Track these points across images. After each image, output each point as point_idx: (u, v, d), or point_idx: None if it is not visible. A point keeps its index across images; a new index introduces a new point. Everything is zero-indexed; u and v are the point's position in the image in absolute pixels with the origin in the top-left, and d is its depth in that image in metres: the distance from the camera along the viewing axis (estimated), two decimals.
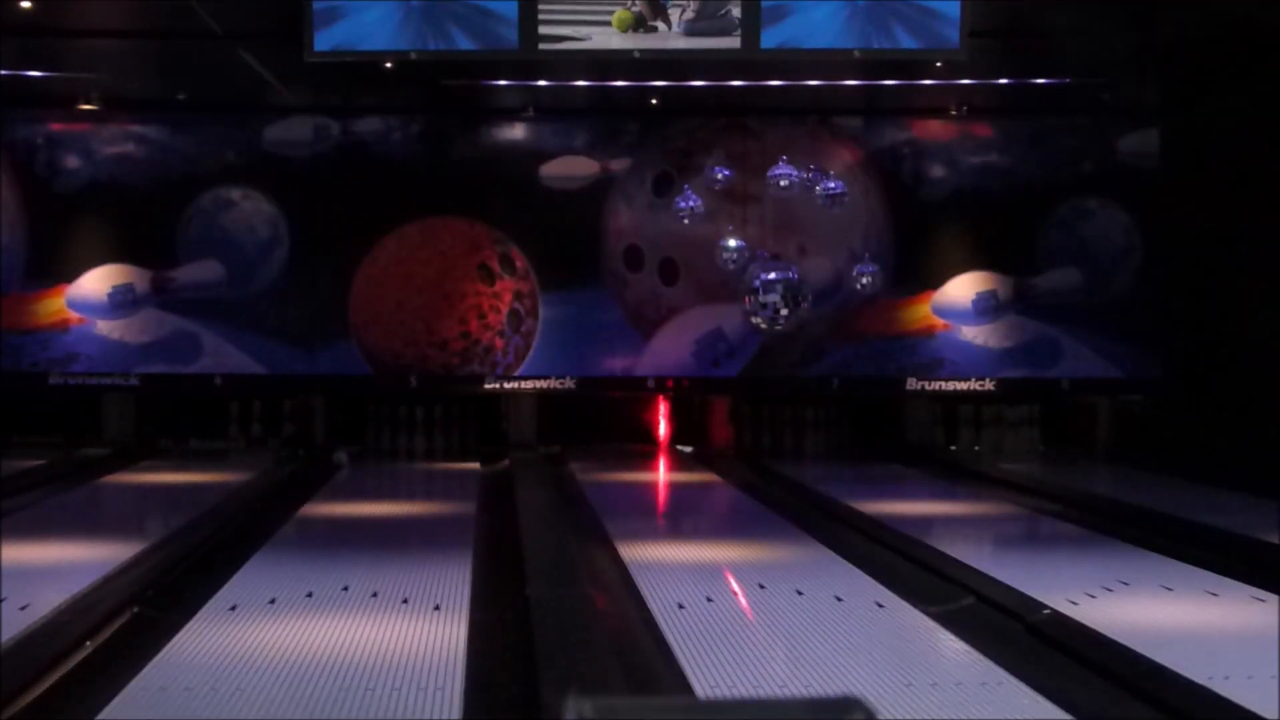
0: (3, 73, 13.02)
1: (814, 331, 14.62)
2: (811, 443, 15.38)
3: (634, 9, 9.57)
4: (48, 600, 6.87)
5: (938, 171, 14.99)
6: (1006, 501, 11.64)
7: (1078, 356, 14.91)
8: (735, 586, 7.84)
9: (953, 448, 15.25)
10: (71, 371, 14.44)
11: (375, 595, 7.29)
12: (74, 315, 14.47)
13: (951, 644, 6.47)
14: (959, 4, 9.63)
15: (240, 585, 7.58)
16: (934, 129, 14.98)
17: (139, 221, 14.53)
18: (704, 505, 12.55)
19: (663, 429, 15.46)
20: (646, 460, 14.70)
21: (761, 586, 7.74)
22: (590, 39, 9.62)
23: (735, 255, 11.83)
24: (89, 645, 6.19)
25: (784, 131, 14.68)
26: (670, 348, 14.87)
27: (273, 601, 7.13)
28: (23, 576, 7.54)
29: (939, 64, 11.57)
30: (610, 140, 14.91)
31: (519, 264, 14.80)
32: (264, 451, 14.60)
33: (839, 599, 7.31)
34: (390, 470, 14.46)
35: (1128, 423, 15.09)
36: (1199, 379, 14.29)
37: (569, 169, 14.86)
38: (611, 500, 11.55)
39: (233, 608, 6.98)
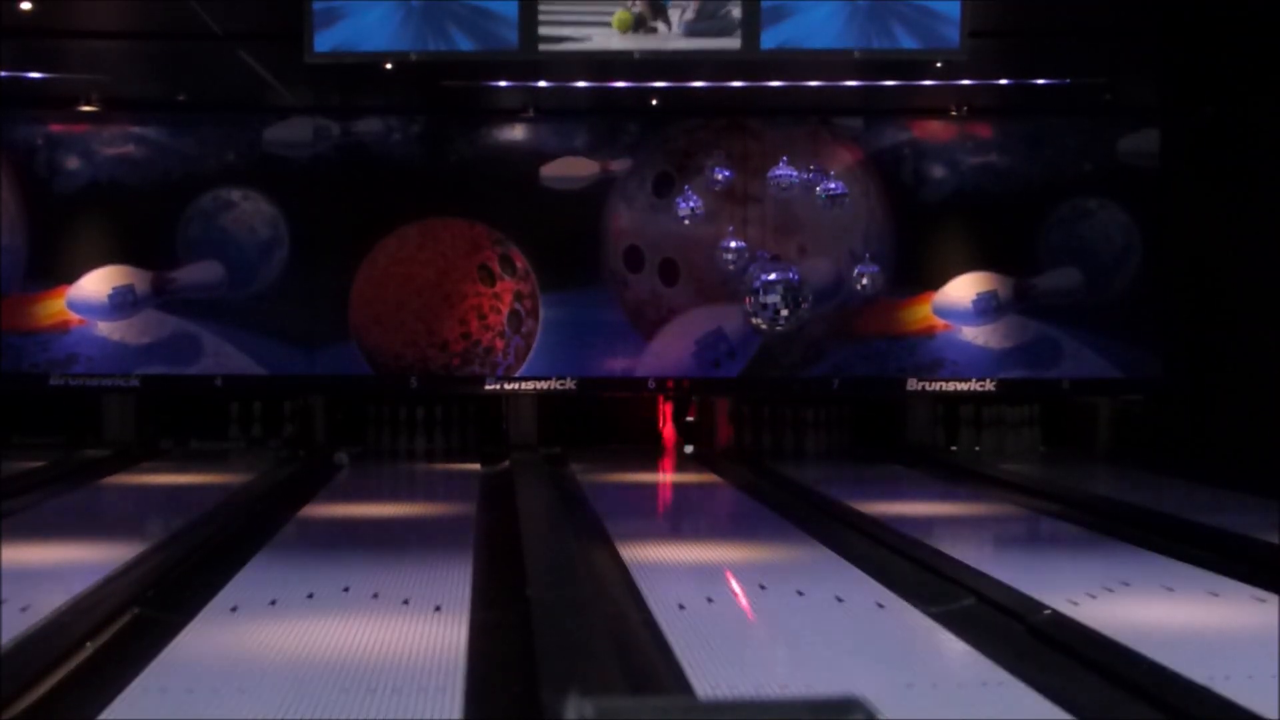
0: (3, 73, 13.02)
1: (814, 332, 14.62)
2: (812, 443, 15.38)
3: (634, 9, 9.56)
4: (48, 601, 6.86)
5: (938, 172, 14.98)
6: (1007, 502, 11.64)
7: (1078, 356, 14.90)
8: (736, 587, 7.84)
9: (953, 448, 15.25)
10: (72, 372, 14.44)
11: (376, 596, 7.29)
12: (74, 316, 14.47)
13: (952, 644, 6.47)
14: (959, 4, 9.62)
15: (241, 586, 7.58)
16: (934, 129, 14.98)
17: (139, 222, 14.53)
18: (704, 505, 12.55)
19: (663, 430, 15.46)
20: (647, 461, 14.69)
21: (762, 587, 7.74)
22: (590, 39, 9.62)
23: (735, 256, 11.84)
24: (90, 646, 6.19)
25: (784, 132, 14.70)
26: (671, 348, 14.87)
27: (274, 602, 7.13)
28: (23, 577, 7.54)
29: (939, 64, 11.57)
30: (610, 141, 14.91)
31: (519, 264, 14.80)
32: (264, 452, 14.60)
33: (839, 599, 7.30)
34: (391, 471, 14.46)
35: (1128, 423, 15.09)
36: (1199, 378, 14.29)
37: (569, 169, 14.86)
38: (612, 501, 11.55)
39: (234, 609, 6.98)
